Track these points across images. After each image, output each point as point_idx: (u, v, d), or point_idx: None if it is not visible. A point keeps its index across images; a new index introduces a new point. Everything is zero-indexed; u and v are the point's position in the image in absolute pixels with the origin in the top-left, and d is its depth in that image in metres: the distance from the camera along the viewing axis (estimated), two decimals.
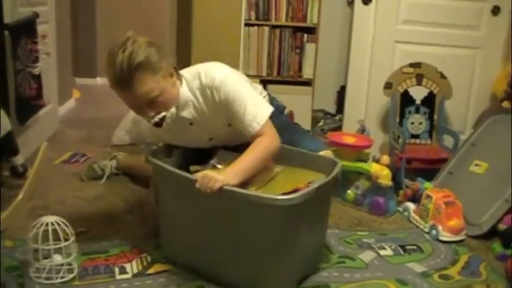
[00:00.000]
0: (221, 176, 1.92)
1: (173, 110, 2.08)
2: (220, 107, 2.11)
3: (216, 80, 2.08)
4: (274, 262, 1.93)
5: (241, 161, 2.01)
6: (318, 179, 2.09)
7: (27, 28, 3.25)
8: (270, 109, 2.16)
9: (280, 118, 2.43)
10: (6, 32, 2.94)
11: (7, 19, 2.95)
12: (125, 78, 1.94)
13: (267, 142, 2.07)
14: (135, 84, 1.95)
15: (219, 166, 2.14)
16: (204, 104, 2.14)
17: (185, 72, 2.18)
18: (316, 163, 2.24)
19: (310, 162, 2.25)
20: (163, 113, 2.05)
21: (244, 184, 1.99)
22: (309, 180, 2.08)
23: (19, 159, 2.91)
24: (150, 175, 2.41)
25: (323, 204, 2.18)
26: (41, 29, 3.49)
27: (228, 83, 2.08)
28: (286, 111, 2.75)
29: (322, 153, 2.37)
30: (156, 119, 2.05)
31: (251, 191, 1.98)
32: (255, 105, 2.09)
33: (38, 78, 3.40)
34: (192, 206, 2.04)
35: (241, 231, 1.94)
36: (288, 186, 2.04)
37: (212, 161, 2.20)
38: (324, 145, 2.58)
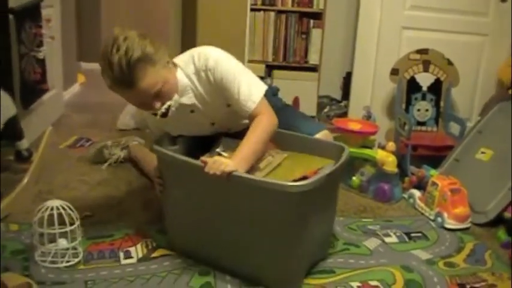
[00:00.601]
0: (228, 161, 1.90)
1: (176, 97, 2.07)
2: (216, 88, 2.10)
3: (209, 61, 2.06)
4: (284, 250, 1.91)
5: (246, 146, 2.00)
6: (327, 165, 2.07)
7: (31, 12, 3.23)
8: (264, 87, 2.15)
9: (274, 100, 2.41)
10: (10, 16, 2.93)
11: (11, 3, 2.94)
12: (126, 77, 1.90)
13: (266, 122, 2.06)
14: (138, 80, 1.92)
15: (224, 154, 2.12)
16: (202, 88, 2.12)
17: (178, 59, 2.16)
18: (323, 149, 2.21)
19: (316, 148, 2.23)
20: (168, 103, 2.04)
21: (250, 169, 1.98)
22: (317, 167, 2.07)
23: (24, 144, 2.91)
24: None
25: (332, 191, 2.16)
26: (45, 12, 3.47)
27: (221, 64, 2.06)
28: (287, 100, 2.75)
29: (320, 134, 2.36)
30: (163, 109, 2.04)
31: (261, 177, 1.96)
32: (249, 84, 2.09)
33: (42, 62, 3.39)
34: (199, 194, 2.01)
35: (250, 218, 1.91)
36: (296, 172, 2.02)
37: (218, 149, 2.18)
38: (321, 126, 2.55)
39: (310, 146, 2.25)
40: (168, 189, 2.16)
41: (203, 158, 1.94)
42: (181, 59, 2.15)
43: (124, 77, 1.90)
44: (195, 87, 2.13)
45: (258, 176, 1.97)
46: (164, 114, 2.06)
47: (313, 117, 3.77)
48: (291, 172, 2.04)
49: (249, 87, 2.08)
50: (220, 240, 2.02)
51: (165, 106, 2.03)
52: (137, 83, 1.92)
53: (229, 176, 1.85)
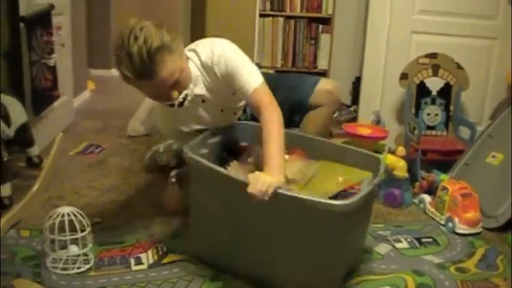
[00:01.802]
0: (269, 177, 1.79)
1: (191, 85, 2.10)
2: (223, 80, 2.13)
3: (215, 55, 2.10)
4: (320, 265, 1.86)
5: (276, 155, 1.90)
6: (365, 178, 2.01)
7: (42, 20, 3.26)
8: (261, 78, 2.14)
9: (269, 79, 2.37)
10: (21, 25, 2.96)
11: (23, 11, 2.96)
12: (147, 67, 1.91)
13: (276, 117, 2.00)
14: (158, 69, 1.93)
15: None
16: (210, 80, 2.16)
17: (186, 51, 2.19)
18: (356, 158, 2.17)
19: (349, 157, 2.18)
20: (184, 92, 2.06)
21: (289, 182, 1.96)
22: (355, 180, 1.99)
23: (35, 150, 2.93)
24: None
25: (369, 204, 2.14)
26: (56, 20, 3.49)
27: (225, 55, 2.10)
28: None
29: (321, 85, 2.37)
30: (180, 98, 2.06)
31: (306, 195, 1.83)
32: (250, 71, 2.10)
33: (53, 69, 3.42)
34: (233, 205, 1.96)
35: (288, 233, 1.86)
36: (332, 185, 1.97)
37: (250, 159, 2.15)
38: (320, 78, 2.57)
39: (343, 155, 2.20)
40: (196, 199, 2.12)
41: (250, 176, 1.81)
42: (188, 50, 2.20)
43: (145, 66, 1.91)
44: (205, 78, 2.16)
45: (294, 189, 1.94)
46: (181, 104, 2.07)
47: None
48: (328, 184, 1.98)
49: (249, 74, 2.09)
50: (253, 254, 1.96)
51: (182, 95, 2.06)
52: (157, 73, 1.93)
53: (272, 196, 1.76)
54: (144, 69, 1.91)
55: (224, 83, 2.14)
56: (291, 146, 2.18)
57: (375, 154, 2.17)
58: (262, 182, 1.75)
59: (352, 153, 2.24)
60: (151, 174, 3.06)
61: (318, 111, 2.48)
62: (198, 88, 2.16)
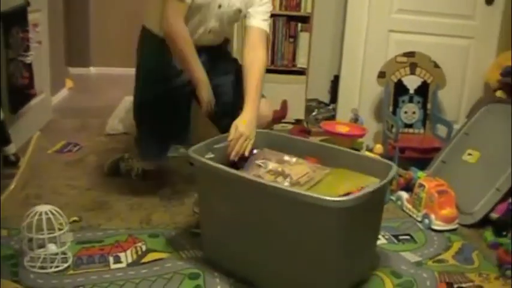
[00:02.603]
0: (242, 126, 2.15)
1: None
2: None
3: None
4: (321, 267, 1.85)
5: (252, 89, 2.27)
6: (371, 183, 1.98)
7: (18, 17, 3.22)
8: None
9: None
10: None
11: None
12: None
13: (264, 59, 2.37)
14: None
15: (270, 166, 2.10)
16: None
17: None
18: (368, 165, 2.14)
19: (360, 164, 2.16)
20: None
21: (293, 184, 1.98)
22: (361, 185, 1.98)
23: (11, 149, 2.89)
24: None
25: (376, 209, 2.08)
26: (32, 17, 3.46)
27: None
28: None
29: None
30: None
31: (301, 190, 1.90)
32: (268, 13, 2.47)
33: (29, 67, 3.38)
34: (237, 204, 1.97)
35: (289, 232, 1.85)
36: (339, 189, 1.95)
37: (257, 161, 2.15)
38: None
39: (354, 162, 2.18)
40: (205, 201, 2.13)
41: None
42: None
43: None
44: None
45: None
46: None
47: (300, 120, 3.78)
48: (333, 188, 1.97)
49: (267, 15, 2.44)
50: (258, 252, 1.96)
51: None
52: None
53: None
54: None
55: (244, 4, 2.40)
56: (308, 154, 2.23)
57: (387, 161, 2.15)
58: (242, 141, 2.14)
59: (367, 160, 2.24)
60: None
61: None
62: None
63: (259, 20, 2.42)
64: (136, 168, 2.96)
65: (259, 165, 2.11)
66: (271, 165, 2.06)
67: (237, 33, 3.49)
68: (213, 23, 2.46)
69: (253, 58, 2.34)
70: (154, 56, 2.53)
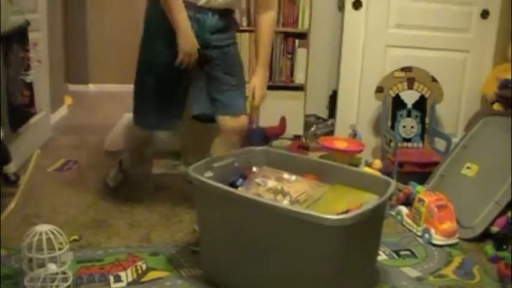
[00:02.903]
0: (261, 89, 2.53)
1: None
2: None
3: None
4: (323, 285, 1.84)
5: (266, 52, 2.58)
6: (370, 200, 1.99)
7: (19, 36, 3.25)
8: None
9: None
10: None
11: None
12: None
13: (274, 19, 2.60)
14: None
15: (269, 184, 2.11)
16: None
17: None
18: (367, 182, 2.14)
19: (359, 180, 2.16)
20: None
21: (290, 202, 1.98)
22: (360, 201, 1.98)
23: (11, 168, 2.91)
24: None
25: (375, 226, 2.07)
26: (32, 36, 3.48)
27: None
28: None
29: (234, 119, 2.54)
30: None
31: (300, 208, 1.89)
32: None
33: (30, 85, 3.39)
34: (239, 225, 1.96)
35: (289, 250, 1.85)
36: (338, 206, 1.95)
37: (257, 180, 2.16)
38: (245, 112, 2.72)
39: (353, 179, 2.18)
40: (204, 219, 2.13)
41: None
42: None
43: None
44: None
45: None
46: None
47: (299, 136, 3.79)
48: (332, 206, 1.97)
49: None
50: (257, 270, 1.95)
51: None
52: None
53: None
54: None
55: None
56: (306, 171, 2.23)
57: (386, 178, 2.15)
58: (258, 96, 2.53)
59: (366, 176, 2.25)
60: (130, 191, 3.05)
61: (221, 143, 2.60)
62: None
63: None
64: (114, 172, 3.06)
65: (259, 184, 2.12)
66: (271, 183, 2.07)
67: None
68: None
69: (264, 18, 2.54)
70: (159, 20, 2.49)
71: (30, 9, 3.57)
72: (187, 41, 2.37)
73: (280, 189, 2.03)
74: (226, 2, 2.47)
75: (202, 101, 2.54)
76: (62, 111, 4.89)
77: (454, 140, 3.36)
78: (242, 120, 2.58)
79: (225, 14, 2.52)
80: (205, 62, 2.44)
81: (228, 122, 2.54)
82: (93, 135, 4.17)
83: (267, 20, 2.55)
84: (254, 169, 2.22)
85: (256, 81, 2.53)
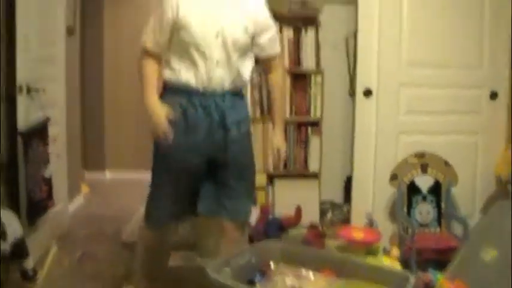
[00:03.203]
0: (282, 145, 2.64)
1: None
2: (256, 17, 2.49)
3: None
4: None
5: (281, 115, 2.69)
6: None
7: (39, 132, 3.34)
8: None
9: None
10: (19, 138, 3.03)
11: (21, 126, 3.05)
12: None
13: (283, 78, 2.77)
14: None
15: (288, 281, 2.10)
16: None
17: None
18: (384, 276, 2.12)
19: (377, 275, 2.14)
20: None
21: None
22: None
23: (29, 263, 2.92)
24: None
25: None
26: (51, 132, 3.55)
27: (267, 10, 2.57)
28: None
29: (234, 225, 2.50)
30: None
31: None
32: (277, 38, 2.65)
33: (48, 181, 3.45)
34: None
35: None
36: None
37: (275, 278, 2.15)
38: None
39: (371, 274, 2.16)
40: None
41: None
42: None
43: None
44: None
45: None
46: None
47: (315, 226, 3.73)
48: None
49: (276, 39, 2.62)
50: None
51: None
52: None
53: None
54: None
55: (255, 21, 2.46)
56: (323, 265, 2.21)
57: (403, 272, 2.22)
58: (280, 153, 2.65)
59: (383, 271, 2.23)
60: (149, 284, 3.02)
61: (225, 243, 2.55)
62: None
63: (273, 46, 2.59)
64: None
65: (277, 282, 2.11)
66: (289, 281, 2.06)
67: None
68: (217, 54, 2.40)
69: (271, 77, 2.67)
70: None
71: (50, 105, 3.63)
72: (157, 122, 2.38)
73: (299, 287, 2.02)
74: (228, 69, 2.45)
75: (208, 200, 2.50)
76: (79, 200, 4.93)
77: (471, 222, 3.33)
78: (244, 224, 2.59)
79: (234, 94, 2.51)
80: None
81: (230, 225, 2.52)
82: (111, 226, 4.19)
83: (275, 78, 2.66)
84: (272, 265, 2.21)
85: (279, 142, 2.64)
